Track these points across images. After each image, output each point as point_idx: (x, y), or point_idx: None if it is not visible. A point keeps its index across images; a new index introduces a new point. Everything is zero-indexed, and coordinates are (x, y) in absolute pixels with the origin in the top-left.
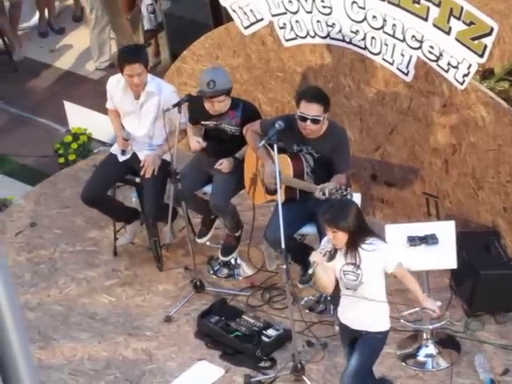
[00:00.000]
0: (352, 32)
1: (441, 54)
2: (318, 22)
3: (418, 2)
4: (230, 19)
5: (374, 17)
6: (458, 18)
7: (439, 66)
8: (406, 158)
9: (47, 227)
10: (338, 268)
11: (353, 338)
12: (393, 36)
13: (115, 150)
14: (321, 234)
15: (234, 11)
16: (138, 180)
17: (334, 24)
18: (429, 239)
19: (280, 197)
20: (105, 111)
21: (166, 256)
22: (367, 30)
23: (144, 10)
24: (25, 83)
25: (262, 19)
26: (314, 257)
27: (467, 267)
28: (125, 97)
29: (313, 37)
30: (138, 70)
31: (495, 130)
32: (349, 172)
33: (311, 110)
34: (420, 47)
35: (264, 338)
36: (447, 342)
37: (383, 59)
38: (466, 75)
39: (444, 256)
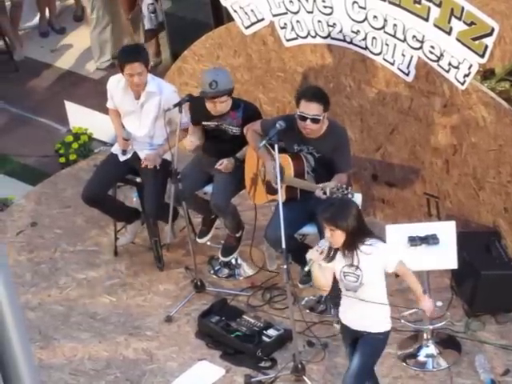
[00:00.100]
0: (353, 32)
1: (441, 54)
2: (319, 21)
3: (419, 2)
4: (230, 19)
5: (375, 17)
6: (459, 19)
7: (440, 66)
8: (406, 158)
9: (48, 227)
10: (338, 269)
11: (354, 338)
12: (394, 36)
13: (116, 149)
14: (321, 234)
15: (235, 11)
16: (138, 180)
17: (334, 24)
18: (429, 239)
19: (281, 197)
20: (105, 111)
21: (167, 256)
22: (368, 30)
23: (145, 10)
24: (26, 83)
25: (262, 19)
26: (311, 254)
27: (468, 267)
28: (125, 97)
29: (314, 37)
30: (139, 70)
31: (496, 130)
32: (350, 172)
33: (311, 109)
34: (421, 47)
35: (264, 338)
36: (448, 342)
37: (384, 59)
38: (466, 75)
39: (445, 256)
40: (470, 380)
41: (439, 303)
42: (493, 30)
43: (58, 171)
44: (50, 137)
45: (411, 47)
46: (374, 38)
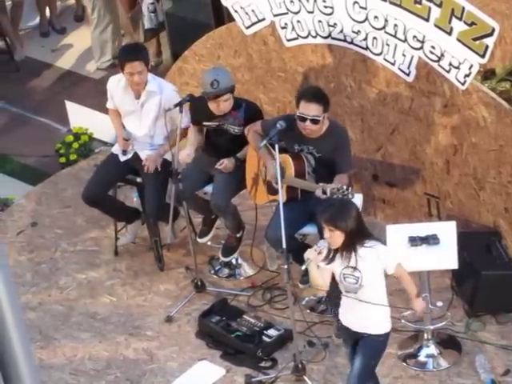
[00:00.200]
0: (353, 32)
1: (442, 55)
2: (320, 22)
3: (420, 3)
4: (231, 19)
5: (376, 17)
6: (460, 19)
7: (440, 66)
8: (407, 159)
9: (48, 227)
10: (338, 271)
11: (355, 340)
12: (394, 36)
13: (116, 149)
14: (321, 234)
15: (236, 11)
16: (139, 180)
17: (335, 24)
18: (430, 239)
19: (282, 197)
20: (106, 111)
21: (167, 256)
22: (369, 30)
23: (145, 9)
24: (26, 83)
25: (263, 19)
26: (309, 254)
27: (468, 267)
28: (125, 96)
29: (314, 37)
30: (139, 68)
31: (496, 130)
32: (350, 172)
33: (310, 110)
34: (421, 47)
35: (265, 338)
36: (448, 343)
37: (385, 59)
38: (467, 75)
39: (445, 256)
40: (470, 380)
41: (440, 303)
42: (493, 30)
43: (58, 171)
44: (51, 137)
45: (412, 47)
46: (374, 38)
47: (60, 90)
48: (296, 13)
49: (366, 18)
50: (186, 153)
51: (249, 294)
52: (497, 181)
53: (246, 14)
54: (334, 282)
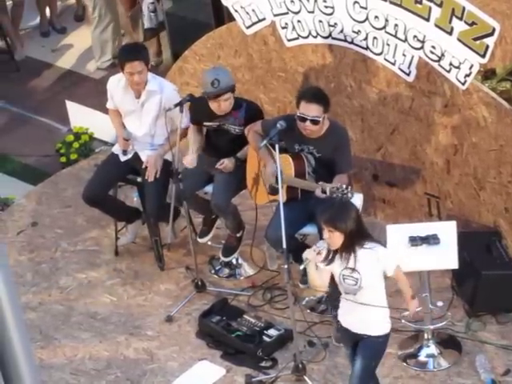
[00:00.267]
0: (354, 32)
1: (442, 54)
2: (320, 21)
3: (420, 2)
4: (231, 19)
5: (376, 17)
6: (460, 19)
7: (441, 66)
8: (407, 159)
9: (48, 227)
10: (337, 273)
11: (355, 341)
12: (395, 36)
13: (117, 149)
14: (322, 235)
15: (236, 11)
16: (139, 179)
17: (335, 24)
18: (430, 239)
19: (282, 197)
20: (106, 111)
21: (168, 256)
22: (369, 30)
23: (145, 9)
24: (26, 83)
25: (263, 19)
26: (308, 254)
27: (468, 267)
28: (125, 96)
29: (315, 37)
30: (139, 68)
31: (497, 130)
32: (350, 172)
33: (311, 110)
34: (422, 47)
35: (265, 338)
36: (448, 343)
37: (385, 59)
38: (467, 75)
39: (445, 256)
40: (470, 380)
41: (440, 303)
42: (494, 30)
43: (58, 171)
44: (51, 136)
45: (412, 47)
46: (375, 38)
47: (60, 89)
48: (296, 13)
49: (367, 18)
50: (189, 158)
51: (249, 294)
52: (497, 181)
53: (247, 13)
54: (333, 283)
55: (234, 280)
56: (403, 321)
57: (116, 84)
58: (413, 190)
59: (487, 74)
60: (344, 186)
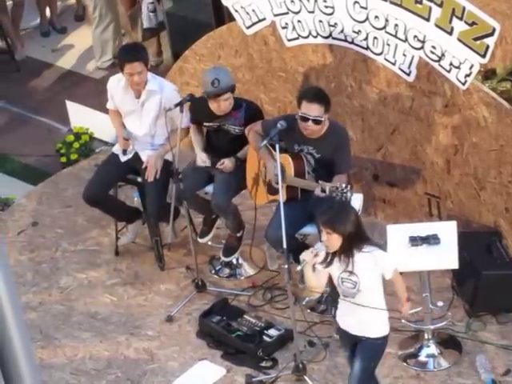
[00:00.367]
0: (354, 32)
1: (443, 54)
2: (320, 21)
3: (420, 2)
4: (232, 19)
5: (376, 17)
6: (460, 19)
7: (441, 66)
8: (407, 159)
9: (49, 227)
10: (336, 275)
11: (353, 343)
12: (395, 36)
13: (117, 149)
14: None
15: (236, 11)
16: (139, 179)
17: (336, 24)
18: (430, 239)
19: (282, 197)
20: (107, 111)
21: (168, 255)
22: (369, 30)
23: (144, 9)
24: (27, 83)
25: (264, 19)
26: (305, 255)
27: (469, 267)
28: (125, 96)
29: (315, 37)
30: (138, 69)
31: (497, 130)
32: (350, 172)
33: (312, 110)
34: (422, 47)
35: (265, 338)
36: (449, 343)
37: (385, 59)
38: (467, 75)
39: (446, 256)
40: (470, 380)
41: (440, 303)
42: (494, 30)
43: (59, 171)
44: (51, 136)
45: (412, 47)
46: (375, 37)
47: (60, 89)
48: (297, 13)
49: (367, 18)
50: (203, 157)
51: (249, 294)
52: (497, 181)
53: (247, 13)
54: (332, 284)
55: (234, 280)
56: (403, 321)
57: (116, 84)
58: (413, 190)
59: (487, 74)
60: (343, 186)
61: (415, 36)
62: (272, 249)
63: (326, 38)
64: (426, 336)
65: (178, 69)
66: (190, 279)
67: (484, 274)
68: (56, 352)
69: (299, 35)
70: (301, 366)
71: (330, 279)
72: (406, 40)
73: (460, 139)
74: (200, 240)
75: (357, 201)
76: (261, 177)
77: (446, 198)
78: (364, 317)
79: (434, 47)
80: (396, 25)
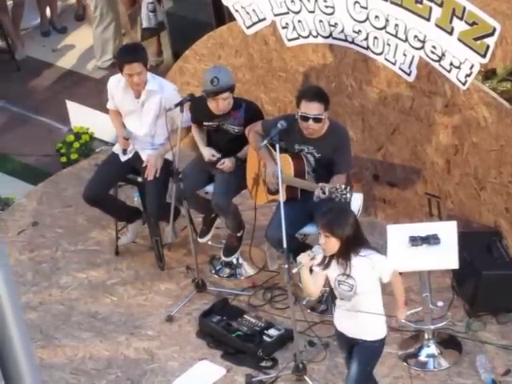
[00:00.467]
0: (354, 32)
1: (443, 54)
2: (321, 21)
3: (421, 2)
4: (232, 19)
5: (377, 17)
6: (461, 18)
7: (441, 66)
8: (408, 158)
9: (49, 226)
10: (333, 278)
11: (350, 345)
12: (395, 36)
13: (117, 149)
14: None
15: (237, 11)
16: (140, 179)
17: (336, 24)
18: (431, 239)
19: (282, 197)
20: (107, 110)
21: (168, 255)
22: (370, 30)
23: (144, 8)
24: (27, 82)
25: (264, 19)
26: (302, 258)
27: (469, 267)
28: (125, 96)
29: (315, 36)
30: (138, 69)
31: (497, 130)
32: (350, 171)
33: (312, 109)
34: (422, 47)
35: (265, 338)
36: (449, 343)
37: (385, 59)
38: (468, 75)
39: (446, 256)
40: (470, 380)
41: (440, 303)
42: (494, 30)
43: (59, 171)
44: (52, 136)
45: (413, 47)
46: (375, 37)
47: (61, 89)
48: (297, 12)
49: (367, 18)
50: (210, 153)
51: (249, 294)
52: (497, 181)
53: (247, 13)
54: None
55: (234, 280)
56: (403, 320)
57: (116, 84)
58: (413, 189)
59: (488, 74)
60: (343, 187)
61: (415, 36)
62: (272, 249)
63: (327, 37)
64: (426, 336)
65: (179, 69)
66: (190, 279)
67: (484, 274)
68: (56, 352)
69: (299, 35)
70: (301, 365)
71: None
72: (406, 40)
73: (460, 139)
74: (200, 240)
75: (357, 201)
76: (261, 177)
77: (446, 198)
78: (361, 320)
79: (434, 47)
80: (396, 25)
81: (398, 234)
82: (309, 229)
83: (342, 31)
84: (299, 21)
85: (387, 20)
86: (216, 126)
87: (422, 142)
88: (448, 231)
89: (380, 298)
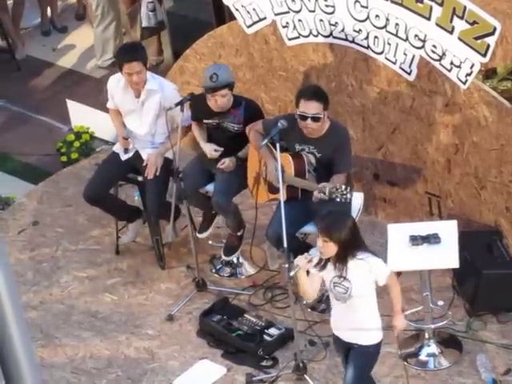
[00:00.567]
0: (355, 31)
1: (443, 54)
2: (321, 20)
3: (421, 2)
4: (232, 18)
5: (377, 16)
6: (461, 18)
7: (442, 65)
8: (408, 158)
9: (49, 226)
10: (328, 279)
11: (347, 348)
12: (396, 35)
13: (117, 148)
14: None
15: (237, 10)
16: (140, 178)
17: (336, 23)
18: (431, 238)
19: (282, 196)
20: (107, 109)
21: (168, 255)
22: (370, 29)
23: (144, 7)
24: (27, 82)
25: (264, 18)
26: (299, 261)
27: (469, 267)
28: (125, 95)
29: (315, 36)
30: (137, 69)
31: (498, 129)
32: (350, 171)
33: (310, 108)
34: (423, 46)
35: (266, 337)
36: (449, 342)
37: (386, 58)
38: (468, 74)
39: (446, 255)
40: (471, 379)
41: (441, 302)
42: (495, 29)
43: (59, 170)
44: (52, 135)
45: (413, 46)
46: (375, 37)
47: (61, 88)
48: (297, 12)
49: (368, 17)
50: (212, 148)
51: (250, 293)
52: (498, 180)
53: (248, 12)
54: None
55: (234, 279)
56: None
57: (116, 84)
58: (414, 189)
59: (488, 74)
60: (343, 187)
61: (416, 35)
62: (272, 248)
63: (327, 37)
64: (426, 335)
65: (179, 68)
66: (190, 278)
67: (484, 273)
68: (56, 351)
69: (300, 34)
70: (301, 365)
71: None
72: (406, 39)
73: (461, 138)
74: (199, 235)
75: (357, 200)
76: (261, 175)
77: (446, 197)
78: (356, 323)
79: (434, 46)
80: (397, 24)
81: (398, 233)
82: (309, 228)
83: (343, 30)
84: (300, 20)
85: (388, 19)
86: (216, 123)
87: (423, 141)
88: (448, 230)
89: (375, 301)
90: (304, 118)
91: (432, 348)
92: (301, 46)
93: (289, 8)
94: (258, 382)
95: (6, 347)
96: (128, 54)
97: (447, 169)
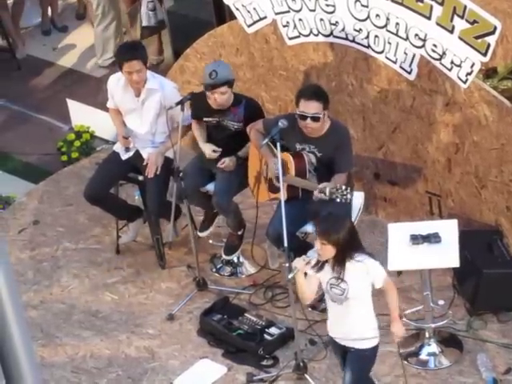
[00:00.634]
0: (355, 30)
1: (444, 53)
2: (322, 20)
3: (422, 1)
4: (233, 17)
5: (378, 15)
6: (462, 17)
7: (442, 64)
8: (408, 157)
9: (50, 225)
10: (325, 281)
11: (344, 350)
12: (396, 34)
13: (118, 147)
14: None
15: (237, 9)
16: (140, 178)
17: (337, 22)
18: (431, 238)
19: (283, 195)
20: (107, 109)
21: (169, 254)
22: (370, 29)
23: (144, 7)
24: (28, 81)
25: (265, 17)
26: (297, 263)
27: (470, 266)
28: (125, 95)
29: (316, 35)
30: (137, 67)
31: (498, 128)
32: (351, 170)
33: (310, 107)
34: (423, 46)
35: (266, 337)
36: (450, 341)
37: (386, 58)
38: (469, 74)
39: (447, 255)
40: (471, 379)
41: (441, 302)
42: (495, 28)
43: (60, 169)
44: (52, 135)
45: (413, 45)
46: (376, 36)
47: (61, 88)
48: (298, 11)
49: (368, 17)
50: (211, 149)
51: (250, 293)
52: (498, 179)
53: (248, 12)
54: None
55: (235, 278)
56: (404, 319)
57: (116, 83)
58: (414, 188)
59: (489, 73)
60: (344, 187)
61: (416, 34)
62: (273, 247)
63: (327, 36)
64: (426, 334)
65: (179, 67)
66: (190, 277)
67: (485, 272)
68: (57, 350)
69: (300, 33)
70: (302, 364)
71: None
72: (407, 38)
73: (461, 138)
74: (200, 234)
75: (358, 199)
76: (262, 174)
77: (446, 197)
78: (352, 327)
79: (435, 46)
80: (397, 23)
81: (398, 232)
82: (309, 227)
83: (343, 30)
84: (300, 19)
85: (388, 18)
86: (216, 121)
87: (423, 140)
88: (449, 230)
89: (371, 305)
90: (304, 117)
91: (432, 347)
92: (301, 46)
93: (289, 7)
94: (259, 381)
95: (6, 346)
96: (128, 52)
97: (448, 168)
